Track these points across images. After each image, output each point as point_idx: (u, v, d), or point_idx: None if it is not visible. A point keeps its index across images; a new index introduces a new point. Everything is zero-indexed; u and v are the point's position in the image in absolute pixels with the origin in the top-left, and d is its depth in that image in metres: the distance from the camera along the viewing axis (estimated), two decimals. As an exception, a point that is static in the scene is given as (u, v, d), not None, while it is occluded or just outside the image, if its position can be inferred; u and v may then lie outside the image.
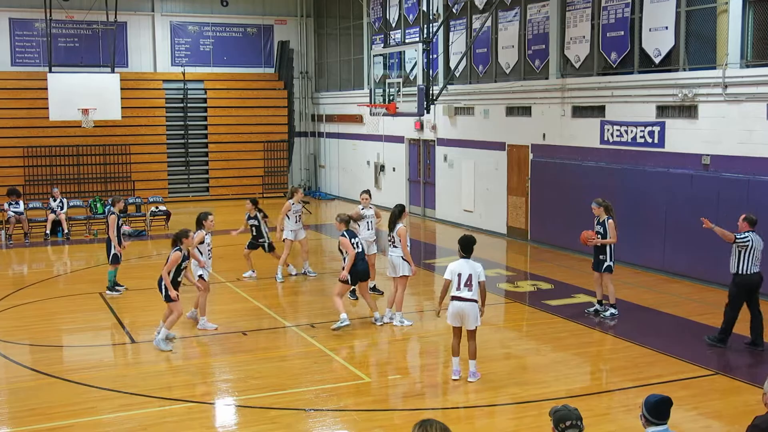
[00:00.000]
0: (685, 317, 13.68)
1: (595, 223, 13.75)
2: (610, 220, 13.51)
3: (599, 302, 13.90)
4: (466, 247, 10.56)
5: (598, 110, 18.50)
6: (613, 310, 13.68)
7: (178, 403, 9.86)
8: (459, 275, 10.36)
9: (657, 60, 16.92)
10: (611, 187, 17.88)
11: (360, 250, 12.95)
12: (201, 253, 12.95)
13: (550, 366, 11.16)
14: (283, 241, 16.61)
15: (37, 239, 22.34)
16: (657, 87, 16.84)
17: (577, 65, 19.20)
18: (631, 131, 17.53)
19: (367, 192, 15.44)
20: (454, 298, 10.40)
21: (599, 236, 13.58)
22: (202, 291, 12.84)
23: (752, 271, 11.58)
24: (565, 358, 11.51)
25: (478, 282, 10.34)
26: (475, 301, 10.37)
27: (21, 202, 22.85)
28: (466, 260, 10.49)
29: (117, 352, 12.29)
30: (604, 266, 13.63)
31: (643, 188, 17.16)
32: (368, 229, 14.92)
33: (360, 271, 12.92)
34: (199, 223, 13.16)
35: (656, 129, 16.90)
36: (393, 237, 13.19)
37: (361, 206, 15.11)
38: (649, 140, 17.07)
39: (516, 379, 10.61)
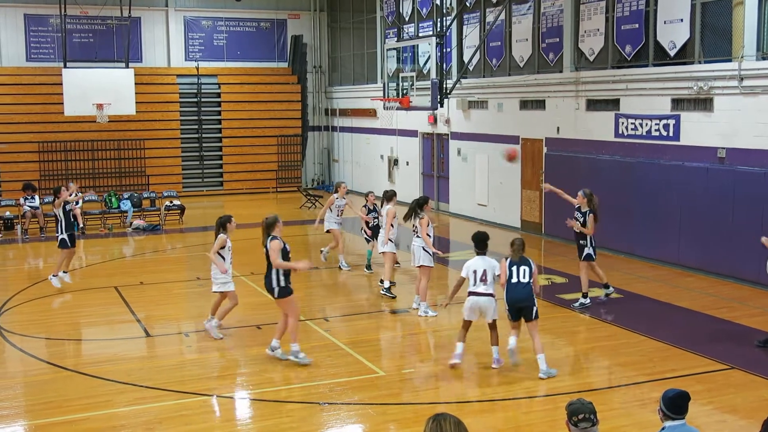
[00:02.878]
0: (700, 311, 13.62)
1: (577, 211, 13.76)
2: (591, 215, 13.55)
3: (605, 285, 13.93)
4: (480, 243, 10.78)
5: (613, 103, 18.43)
6: (583, 300, 13.73)
7: (193, 396, 9.89)
8: (474, 272, 10.56)
9: (672, 53, 16.82)
10: (626, 181, 17.83)
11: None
12: (224, 259, 12.14)
13: (565, 360, 11.14)
14: (327, 232, 17.51)
15: (53, 233, 22.33)
16: (672, 80, 16.75)
17: (591, 58, 19.13)
18: (646, 124, 17.45)
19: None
20: (471, 293, 10.59)
21: (578, 225, 13.68)
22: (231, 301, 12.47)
23: None
24: (580, 353, 11.50)
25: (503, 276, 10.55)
26: (492, 295, 10.56)
27: (36, 197, 22.98)
28: (481, 257, 10.70)
29: (132, 346, 12.33)
30: (585, 254, 13.68)
31: (658, 182, 17.08)
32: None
33: None
34: (222, 227, 12.08)
35: (671, 122, 16.81)
36: (415, 227, 13.45)
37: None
38: (664, 133, 16.99)
39: (530, 373, 10.59)
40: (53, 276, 15.64)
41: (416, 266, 13.57)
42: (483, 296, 10.48)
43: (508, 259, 10.59)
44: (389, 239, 14.69)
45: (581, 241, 13.72)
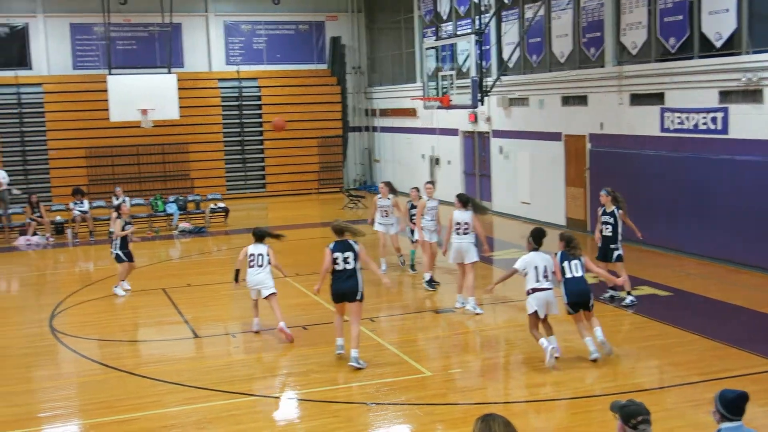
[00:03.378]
0: (755, 309, 13.25)
1: (601, 213, 13.66)
2: (620, 211, 13.58)
3: (614, 288, 13.79)
4: (539, 239, 10.92)
5: (657, 97, 18.17)
6: (632, 297, 13.65)
7: (241, 396, 9.95)
8: (536, 267, 10.70)
9: (718, 44, 16.53)
10: (672, 176, 17.58)
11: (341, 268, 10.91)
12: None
13: (614, 360, 10.96)
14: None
15: (102, 237, 22.76)
16: (719, 72, 16.45)
17: (633, 52, 18.90)
18: (693, 118, 17.18)
19: (431, 182, 16.32)
20: (536, 289, 10.68)
21: (609, 227, 13.65)
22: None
23: None
24: (629, 352, 11.31)
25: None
26: (552, 289, 10.81)
27: (85, 202, 23.45)
28: (538, 253, 10.86)
29: (181, 347, 12.46)
30: (615, 255, 13.63)
31: (707, 177, 16.79)
32: (431, 219, 15.44)
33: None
34: (261, 238, 12.77)
35: (719, 115, 16.52)
36: (466, 223, 13.59)
37: (426, 196, 15.63)
38: (712, 127, 16.70)
39: (579, 373, 10.48)
40: (115, 287, 15.75)
41: (467, 263, 13.46)
42: (549, 291, 10.72)
43: (558, 255, 10.87)
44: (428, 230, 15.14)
45: (611, 245, 13.63)
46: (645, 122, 18.53)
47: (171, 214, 24.15)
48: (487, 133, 25.31)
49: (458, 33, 25.53)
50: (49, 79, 30.03)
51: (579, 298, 10.73)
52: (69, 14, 30.19)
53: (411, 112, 29.64)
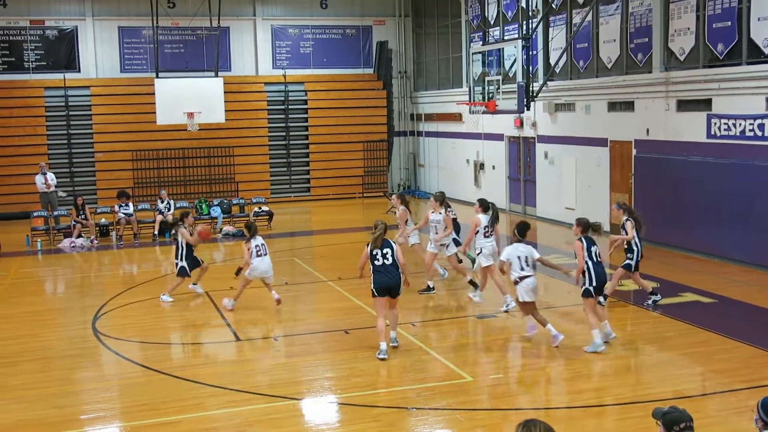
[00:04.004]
0: (800, 317, 13.13)
1: (622, 227, 14.01)
2: (628, 222, 13.80)
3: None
4: (522, 232, 12.11)
5: (705, 104, 17.95)
6: (655, 297, 13.99)
7: (282, 400, 10.02)
8: (519, 257, 11.82)
9: (767, 50, 16.30)
10: (719, 183, 17.35)
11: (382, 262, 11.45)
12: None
13: (656, 366, 10.89)
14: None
15: (146, 240, 23.07)
16: (767, 78, 16.22)
17: (681, 58, 18.69)
18: (740, 125, 16.94)
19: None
20: (523, 278, 11.74)
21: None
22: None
23: None
24: (672, 359, 11.21)
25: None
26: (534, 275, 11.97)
27: (130, 204, 23.70)
28: (522, 244, 12.02)
29: (222, 350, 12.57)
30: (624, 263, 13.94)
31: (754, 183, 16.55)
32: (436, 233, 15.14)
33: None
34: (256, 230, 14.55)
35: (766, 122, 16.28)
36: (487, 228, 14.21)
37: (431, 211, 15.27)
38: (759, 134, 16.45)
39: (620, 379, 10.41)
40: (165, 295, 15.43)
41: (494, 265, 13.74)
42: (533, 277, 11.79)
43: (584, 240, 11.71)
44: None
45: (628, 254, 13.85)
46: (691, 128, 18.31)
47: (215, 218, 24.39)
48: (533, 138, 25.18)
49: (505, 38, 25.44)
50: (97, 81, 30.50)
51: (604, 283, 11.73)
52: (118, 17, 30.68)
53: (456, 117, 29.60)
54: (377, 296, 11.45)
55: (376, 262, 11.37)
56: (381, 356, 11.30)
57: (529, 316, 12.01)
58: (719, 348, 11.68)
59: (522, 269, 11.70)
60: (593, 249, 11.59)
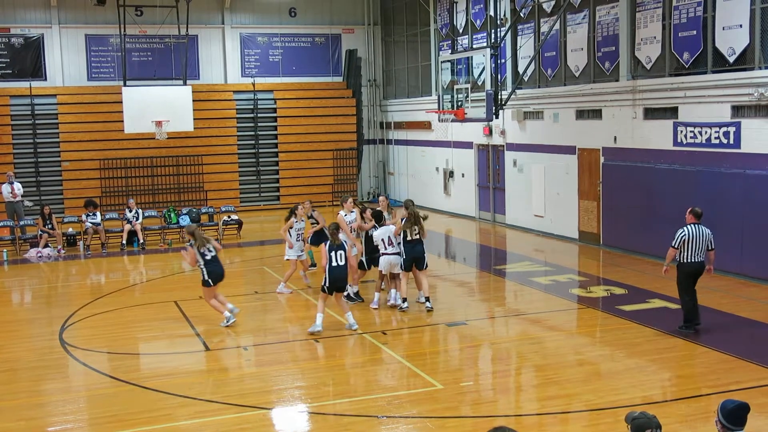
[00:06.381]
0: (765, 322, 13.31)
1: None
2: None
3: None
4: (379, 220, 14.88)
5: (671, 112, 18.16)
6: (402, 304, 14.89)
7: (252, 410, 9.96)
8: (383, 240, 14.48)
9: (731, 59, 16.53)
10: (685, 190, 17.54)
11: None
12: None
13: (625, 372, 10.97)
14: None
15: (114, 249, 22.86)
16: (732, 86, 16.44)
17: (648, 66, 18.88)
18: (706, 132, 17.15)
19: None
20: (384, 254, 14.47)
21: None
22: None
23: None
24: (641, 365, 11.30)
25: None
26: (398, 253, 14.52)
27: (98, 213, 23.48)
28: (384, 227, 14.68)
29: (192, 360, 12.47)
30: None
31: (719, 190, 16.76)
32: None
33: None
34: (292, 214, 16.42)
35: (732, 129, 16.50)
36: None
37: (343, 212, 15.82)
38: (725, 141, 16.67)
39: (590, 385, 10.47)
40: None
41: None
42: (393, 255, 14.44)
43: (404, 220, 14.29)
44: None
45: None
46: (658, 136, 18.51)
47: (184, 227, 24.21)
48: (502, 146, 25.31)
49: (474, 46, 25.57)
50: (64, 90, 30.21)
51: (415, 257, 14.41)
52: (84, 25, 30.40)
53: (426, 125, 29.69)
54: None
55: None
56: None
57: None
58: (686, 353, 11.84)
59: (385, 248, 14.41)
60: (409, 231, 14.33)
